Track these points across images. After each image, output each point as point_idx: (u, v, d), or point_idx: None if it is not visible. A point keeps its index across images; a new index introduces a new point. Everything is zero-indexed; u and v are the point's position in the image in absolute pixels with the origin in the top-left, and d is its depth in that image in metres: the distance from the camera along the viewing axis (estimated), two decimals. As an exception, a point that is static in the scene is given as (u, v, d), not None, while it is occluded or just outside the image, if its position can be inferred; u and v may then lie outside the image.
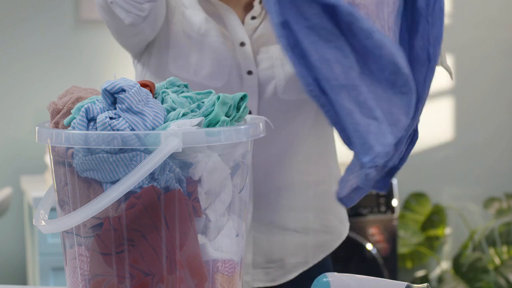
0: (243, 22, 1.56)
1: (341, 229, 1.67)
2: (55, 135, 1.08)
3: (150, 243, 1.06)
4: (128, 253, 1.06)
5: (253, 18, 1.56)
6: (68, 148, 1.08)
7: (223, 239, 1.12)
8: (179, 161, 1.07)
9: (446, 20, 4.02)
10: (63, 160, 1.09)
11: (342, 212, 1.68)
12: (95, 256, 1.08)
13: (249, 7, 1.57)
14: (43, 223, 1.09)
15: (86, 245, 1.09)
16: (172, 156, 1.06)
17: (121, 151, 1.05)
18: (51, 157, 1.13)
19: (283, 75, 1.52)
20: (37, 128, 1.14)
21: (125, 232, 1.06)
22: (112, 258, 1.07)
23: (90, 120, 1.08)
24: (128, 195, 1.05)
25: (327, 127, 1.63)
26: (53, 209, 1.16)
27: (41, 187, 2.93)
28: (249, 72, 1.52)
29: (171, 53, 1.54)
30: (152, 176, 1.06)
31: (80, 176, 1.08)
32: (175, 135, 1.04)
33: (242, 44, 1.53)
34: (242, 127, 1.10)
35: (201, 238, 1.10)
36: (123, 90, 1.07)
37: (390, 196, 3.15)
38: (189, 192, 1.08)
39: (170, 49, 1.54)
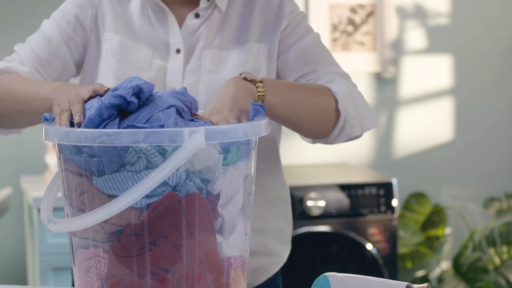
0: (183, 21, 1.54)
1: (283, 250, 1.66)
2: (63, 133, 1.08)
3: (172, 241, 1.07)
4: (149, 253, 1.07)
5: (197, 16, 1.55)
6: (88, 161, 1.08)
7: (235, 238, 1.15)
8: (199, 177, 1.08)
9: (446, 20, 4.02)
10: (81, 173, 1.09)
11: (287, 232, 1.66)
12: (114, 258, 1.09)
13: (195, 3, 1.55)
14: (53, 222, 1.09)
15: (104, 247, 1.09)
16: (193, 173, 1.07)
17: (147, 168, 1.05)
18: (61, 164, 1.13)
19: (206, 92, 1.50)
20: (43, 126, 1.14)
21: (147, 236, 1.07)
22: (133, 260, 1.07)
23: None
24: (149, 205, 1.06)
25: (270, 147, 1.61)
26: (56, 209, 1.16)
27: (41, 187, 2.93)
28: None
29: (100, 75, 1.56)
30: (174, 188, 1.06)
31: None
32: (198, 132, 1.04)
33: (178, 51, 1.53)
34: (253, 123, 1.13)
35: (217, 237, 1.11)
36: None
37: (390, 196, 3.15)
38: (209, 200, 1.10)
39: (99, 70, 1.56)
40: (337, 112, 1.51)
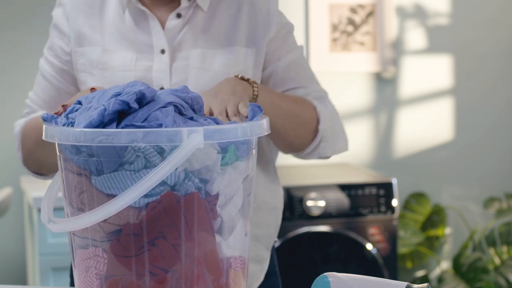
0: (165, 22, 1.54)
1: (266, 255, 1.66)
2: (63, 133, 1.08)
3: (170, 241, 1.07)
4: (148, 253, 1.07)
5: (179, 16, 1.54)
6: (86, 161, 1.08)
7: (235, 238, 1.15)
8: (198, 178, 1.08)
9: (446, 20, 4.02)
10: (80, 172, 1.09)
11: (273, 239, 1.67)
12: (114, 258, 1.09)
13: (175, 2, 1.55)
14: (52, 222, 1.09)
15: (103, 247, 1.09)
16: (192, 173, 1.07)
17: (145, 167, 1.05)
18: (61, 164, 1.13)
19: (194, 90, 1.48)
20: (43, 126, 1.14)
21: (145, 236, 1.07)
22: (132, 260, 1.07)
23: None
24: (148, 204, 1.06)
25: (264, 151, 1.62)
26: (56, 209, 1.16)
27: (41, 187, 2.93)
28: (161, 89, 1.50)
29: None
30: (172, 188, 1.06)
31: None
32: (197, 131, 1.04)
33: (163, 51, 1.53)
34: (253, 123, 1.13)
35: (216, 237, 1.12)
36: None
37: (390, 196, 3.15)
38: (208, 201, 1.09)
39: (80, 85, 1.59)
40: (316, 131, 1.57)
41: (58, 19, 1.60)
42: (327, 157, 1.62)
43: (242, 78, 1.44)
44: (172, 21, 1.54)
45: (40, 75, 1.64)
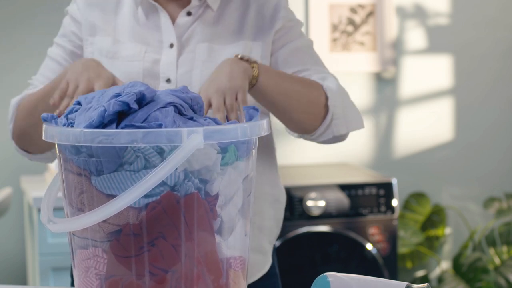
0: (175, 19, 1.58)
1: (268, 248, 1.67)
2: (63, 133, 1.08)
3: (170, 242, 1.07)
4: (148, 253, 1.07)
5: (189, 14, 1.59)
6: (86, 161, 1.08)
7: (235, 239, 1.15)
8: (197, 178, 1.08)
9: (446, 20, 4.01)
10: (80, 172, 1.09)
11: (274, 234, 1.68)
12: (113, 258, 1.09)
13: (186, 1, 1.60)
14: (52, 222, 1.09)
15: (103, 247, 1.09)
16: (192, 173, 1.07)
17: (145, 167, 1.05)
18: (61, 164, 1.13)
19: (199, 80, 1.53)
20: (44, 126, 1.14)
21: (145, 236, 1.07)
22: (132, 260, 1.07)
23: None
24: (148, 205, 1.06)
25: (267, 144, 1.63)
26: (56, 209, 1.16)
27: (41, 187, 2.93)
28: (168, 80, 1.55)
29: None
30: (172, 188, 1.06)
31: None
32: (196, 132, 1.04)
33: (171, 45, 1.57)
34: (253, 123, 1.13)
35: (216, 238, 1.12)
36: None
37: (390, 196, 3.15)
38: (208, 201, 1.09)
39: None
40: (326, 108, 1.56)
41: (73, 11, 1.66)
42: (342, 137, 1.60)
43: (242, 58, 1.45)
44: (182, 18, 1.58)
45: (48, 59, 1.67)
